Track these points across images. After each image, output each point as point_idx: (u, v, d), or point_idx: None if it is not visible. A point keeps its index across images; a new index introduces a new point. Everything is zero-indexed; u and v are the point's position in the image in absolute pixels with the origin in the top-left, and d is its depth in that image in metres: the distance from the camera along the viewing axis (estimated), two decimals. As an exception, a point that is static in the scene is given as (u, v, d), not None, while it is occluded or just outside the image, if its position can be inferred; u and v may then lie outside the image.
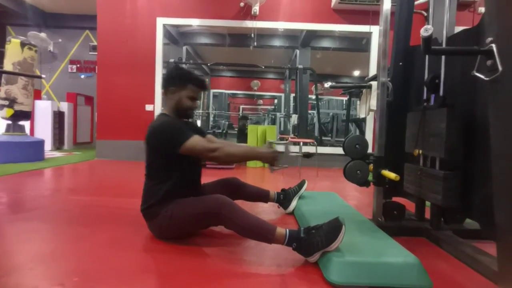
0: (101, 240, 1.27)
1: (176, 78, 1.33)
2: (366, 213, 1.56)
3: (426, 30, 0.78)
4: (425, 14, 1.63)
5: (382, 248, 1.07)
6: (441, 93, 1.25)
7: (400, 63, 1.53)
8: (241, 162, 1.14)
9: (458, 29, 1.29)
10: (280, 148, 1.32)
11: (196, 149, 1.19)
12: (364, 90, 1.78)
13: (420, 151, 1.26)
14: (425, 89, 1.34)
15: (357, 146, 1.51)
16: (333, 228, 1.02)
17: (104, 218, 1.56)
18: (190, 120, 1.44)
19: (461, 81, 1.21)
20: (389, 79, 1.44)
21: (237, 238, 1.25)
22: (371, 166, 1.48)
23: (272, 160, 1.27)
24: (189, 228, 1.26)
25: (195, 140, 1.20)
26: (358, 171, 1.49)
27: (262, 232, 1.09)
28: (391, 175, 1.26)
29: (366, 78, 2.07)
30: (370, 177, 1.47)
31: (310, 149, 3.81)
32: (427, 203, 1.43)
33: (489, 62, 0.91)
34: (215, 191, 1.39)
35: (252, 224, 1.11)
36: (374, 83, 1.70)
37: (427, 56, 1.38)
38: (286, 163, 1.41)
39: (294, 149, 3.51)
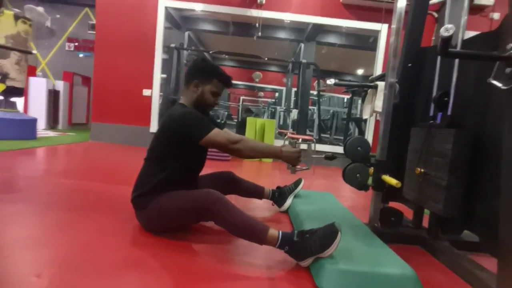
0: (87, 228, 1.21)
1: (202, 71, 1.27)
2: (361, 216, 1.52)
3: (446, 30, 0.71)
4: (436, 15, 1.56)
5: (377, 257, 1.03)
6: (449, 112, 1.19)
7: (409, 65, 1.47)
8: (260, 158, 1.11)
9: (468, 34, 1.22)
10: (303, 147, 1.27)
11: (218, 141, 1.17)
12: (369, 90, 1.71)
13: (422, 170, 1.21)
14: (432, 106, 1.28)
15: (359, 148, 1.46)
16: (329, 234, 0.98)
17: (93, 205, 1.50)
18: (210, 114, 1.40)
19: (472, 100, 1.15)
20: (396, 80, 1.37)
21: (228, 236, 1.21)
22: (371, 170, 1.43)
23: (294, 160, 1.23)
24: (178, 222, 1.21)
25: (217, 132, 1.18)
26: (357, 175, 1.44)
27: (254, 232, 1.05)
28: (392, 181, 1.21)
29: (370, 78, 2.00)
30: (370, 181, 1.42)
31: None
32: (426, 211, 1.39)
33: (508, 70, 0.85)
34: (209, 185, 1.34)
35: (244, 223, 1.06)
36: (380, 83, 1.64)
37: (438, 59, 1.32)
38: (308, 164, 1.36)
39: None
